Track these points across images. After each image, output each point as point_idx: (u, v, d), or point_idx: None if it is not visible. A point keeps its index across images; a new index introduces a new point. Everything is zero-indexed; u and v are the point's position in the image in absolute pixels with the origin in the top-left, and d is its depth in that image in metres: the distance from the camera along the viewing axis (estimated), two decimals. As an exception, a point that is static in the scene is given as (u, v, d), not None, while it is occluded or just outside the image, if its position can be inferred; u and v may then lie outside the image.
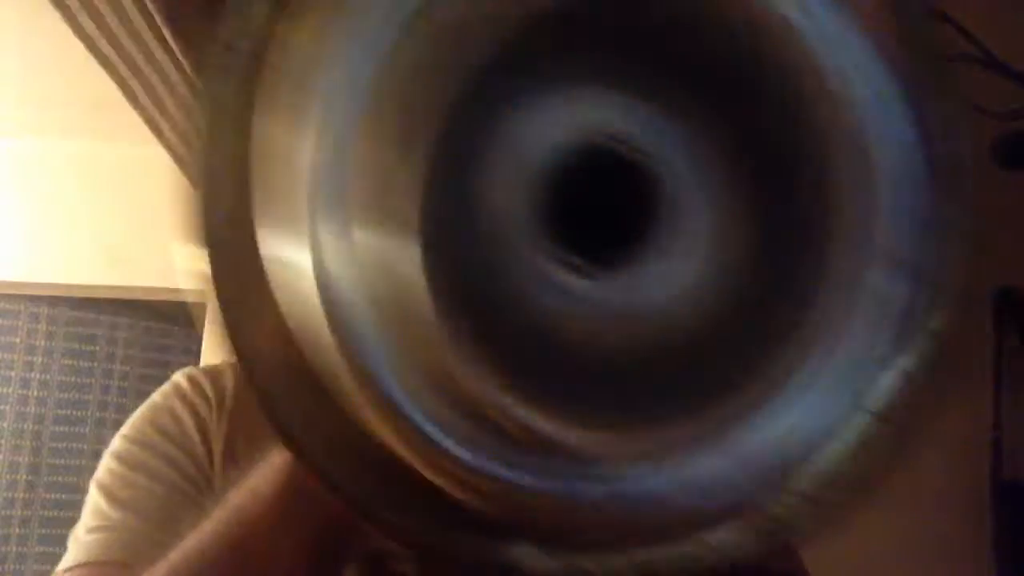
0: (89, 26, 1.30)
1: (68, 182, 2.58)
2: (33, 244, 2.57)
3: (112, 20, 1.29)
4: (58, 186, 2.58)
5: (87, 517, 0.60)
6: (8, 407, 2.68)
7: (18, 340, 2.72)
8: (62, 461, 2.72)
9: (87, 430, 2.74)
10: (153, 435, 0.63)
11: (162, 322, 2.92)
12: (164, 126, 1.61)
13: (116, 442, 0.64)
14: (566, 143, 0.29)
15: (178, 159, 1.74)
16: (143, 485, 0.60)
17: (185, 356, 2.91)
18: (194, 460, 0.62)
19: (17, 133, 2.54)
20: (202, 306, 2.56)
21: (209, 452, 0.62)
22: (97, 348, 2.80)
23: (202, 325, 2.55)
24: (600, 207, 0.31)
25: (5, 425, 2.68)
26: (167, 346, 2.93)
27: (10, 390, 2.69)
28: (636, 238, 0.30)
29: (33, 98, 2.36)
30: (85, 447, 2.74)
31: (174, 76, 1.43)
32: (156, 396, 0.66)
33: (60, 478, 2.72)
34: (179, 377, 0.67)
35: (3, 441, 2.67)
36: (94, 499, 0.61)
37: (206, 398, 0.65)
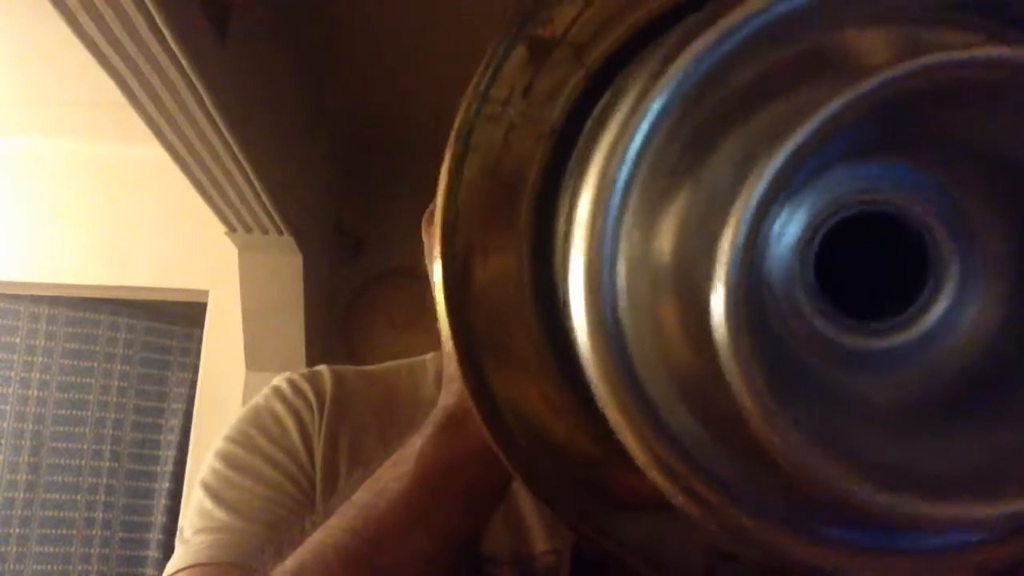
0: (89, 26, 1.30)
1: (68, 182, 2.59)
2: (33, 244, 2.57)
3: (112, 20, 1.29)
4: (58, 186, 2.59)
5: (193, 518, 0.61)
6: (8, 407, 2.68)
7: (18, 340, 2.72)
8: (62, 461, 2.72)
9: (87, 430, 2.73)
10: (257, 437, 0.63)
11: (162, 322, 2.92)
12: (164, 126, 1.61)
13: (220, 443, 0.64)
14: (838, 207, 0.29)
15: (178, 159, 1.74)
16: (248, 487, 0.61)
17: (185, 356, 2.91)
18: (296, 462, 0.62)
19: (17, 133, 2.54)
20: (202, 306, 2.57)
21: (310, 455, 0.63)
22: (97, 348, 2.80)
23: (202, 325, 2.56)
24: (866, 267, 0.31)
25: (5, 425, 2.68)
26: (167, 346, 2.93)
27: (10, 390, 2.69)
28: (913, 292, 0.30)
29: (33, 98, 2.36)
30: (85, 447, 2.73)
31: (174, 76, 1.43)
32: (258, 399, 0.66)
33: (60, 478, 2.72)
34: (279, 381, 0.67)
35: (3, 441, 2.67)
36: (199, 500, 0.62)
37: (307, 401, 0.65)
